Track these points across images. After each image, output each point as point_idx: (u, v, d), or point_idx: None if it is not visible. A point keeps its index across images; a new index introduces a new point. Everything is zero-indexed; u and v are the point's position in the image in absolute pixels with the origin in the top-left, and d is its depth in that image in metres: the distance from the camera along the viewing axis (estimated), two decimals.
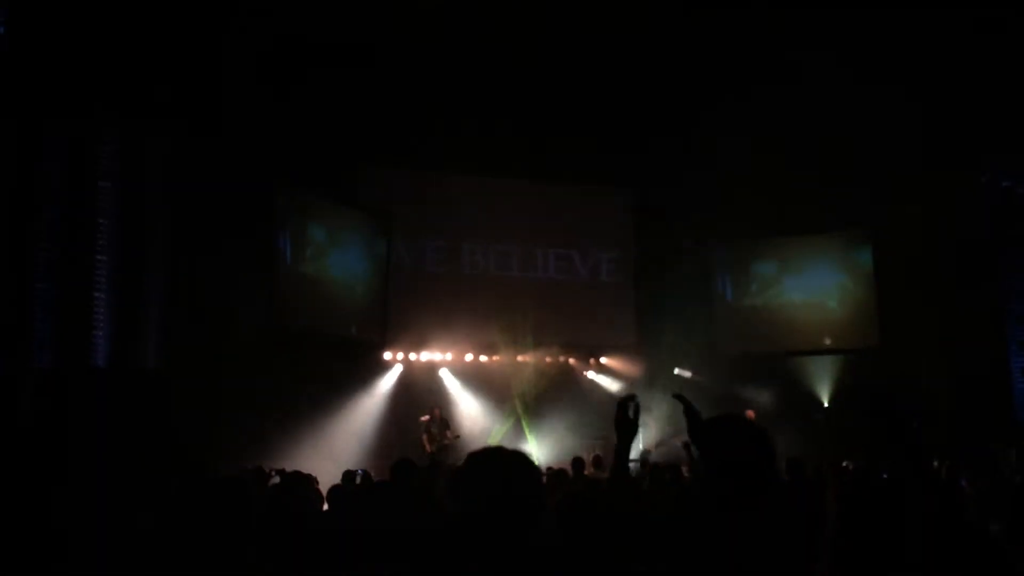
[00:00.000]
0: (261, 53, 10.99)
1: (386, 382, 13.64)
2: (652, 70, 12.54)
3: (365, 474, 8.18)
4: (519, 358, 14.40)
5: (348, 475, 7.89)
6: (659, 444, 12.99)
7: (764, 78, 12.02)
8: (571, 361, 15.06)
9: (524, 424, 13.79)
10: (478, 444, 13.23)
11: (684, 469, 7.35)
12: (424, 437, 12.35)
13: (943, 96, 12.16)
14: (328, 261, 12.78)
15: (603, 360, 15.33)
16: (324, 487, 5.63)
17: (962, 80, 11.93)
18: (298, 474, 4.41)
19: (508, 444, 10.94)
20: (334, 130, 12.28)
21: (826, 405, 14.41)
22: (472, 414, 13.98)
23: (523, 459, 2.14)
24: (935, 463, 7.35)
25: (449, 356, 14.27)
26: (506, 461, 2.11)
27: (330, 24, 11.40)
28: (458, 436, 12.59)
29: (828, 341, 14.67)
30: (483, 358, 14.37)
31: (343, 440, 12.00)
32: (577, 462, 8.52)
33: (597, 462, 9.36)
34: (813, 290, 14.96)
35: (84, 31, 9.09)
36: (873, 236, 14.38)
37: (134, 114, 9.67)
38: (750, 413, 12.71)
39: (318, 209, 12.76)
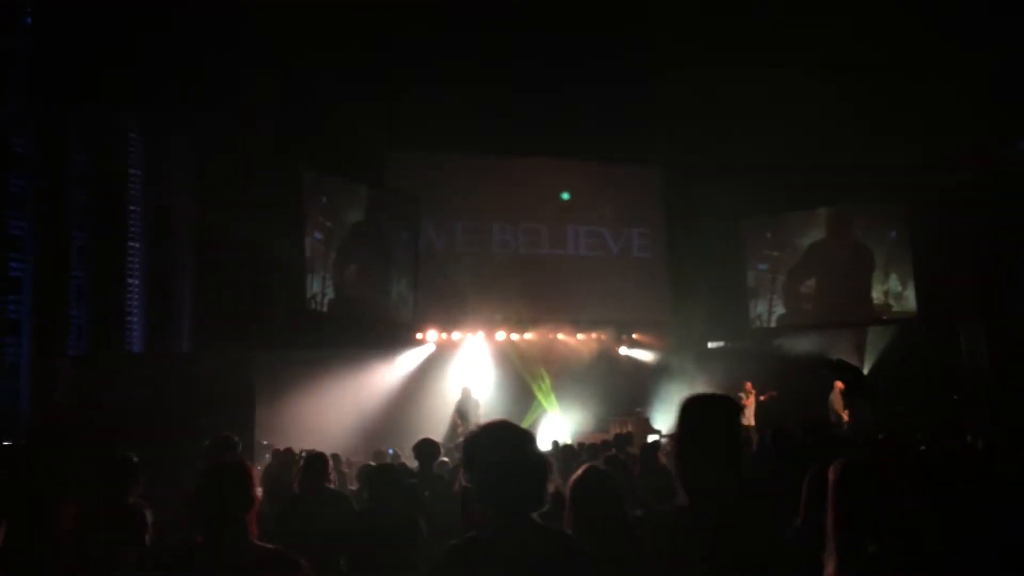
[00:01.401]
0: (285, 40, 11.02)
1: (417, 361, 13.71)
2: (677, 42, 12.32)
3: (395, 454, 8.25)
4: (551, 335, 14.42)
5: (379, 455, 7.97)
6: None
7: (793, 45, 11.77)
8: (603, 337, 15.01)
9: (552, 402, 13.80)
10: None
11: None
12: (455, 416, 12.41)
13: (978, 66, 11.86)
14: (358, 243, 12.82)
15: (635, 336, 15.26)
16: (357, 466, 5.68)
17: (999, 51, 11.62)
18: (318, 455, 4.46)
19: (541, 422, 11.04)
20: (361, 115, 12.27)
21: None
22: (504, 392, 14.01)
23: (525, 434, 2.15)
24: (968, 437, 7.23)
25: (481, 335, 14.30)
26: (511, 434, 2.11)
27: (351, 8, 11.40)
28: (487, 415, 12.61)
29: (865, 312, 14.48)
30: (515, 336, 14.37)
31: (374, 420, 12.10)
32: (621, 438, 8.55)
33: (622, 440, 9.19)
34: (848, 261, 14.72)
35: (111, 20, 9.16)
36: (909, 207, 14.09)
37: (162, 102, 9.75)
38: (747, 384, 12.88)
39: (346, 192, 12.80)
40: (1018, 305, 12.79)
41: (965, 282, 13.06)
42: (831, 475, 2.42)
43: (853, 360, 14.40)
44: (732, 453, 2.27)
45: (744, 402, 12.79)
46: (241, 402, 8.33)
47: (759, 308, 14.99)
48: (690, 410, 2.32)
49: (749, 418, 12.69)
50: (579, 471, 3.01)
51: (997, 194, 12.65)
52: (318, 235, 12.14)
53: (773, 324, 14.88)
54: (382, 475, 3.97)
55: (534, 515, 2.08)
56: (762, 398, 13.04)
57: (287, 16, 10.74)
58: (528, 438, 2.16)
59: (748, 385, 13.10)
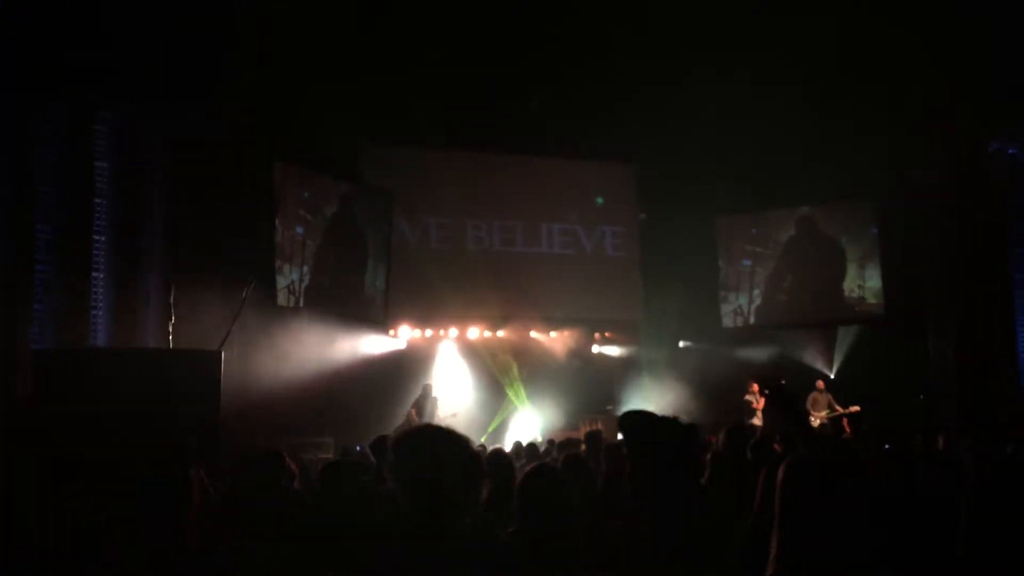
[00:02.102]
0: (259, 31, 10.93)
1: (389, 359, 13.67)
2: (653, 38, 12.36)
3: (363, 450, 8.23)
4: (523, 333, 14.47)
5: (345, 451, 7.95)
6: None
7: (762, 44, 11.86)
8: (576, 335, 15.06)
9: (523, 398, 13.82)
10: (479, 421, 13.44)
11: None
12: (412, 411, 12.39)
13: (949, 64, 12.01)
14: (330, 238, 12.76)
15: (607, 334, 15.32)
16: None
17: (968, 48, 11.76)
18: (274, 451, 4.44)
19: (513, 421, 11.05)
20: (335, 109, 12.21)
21: (832, 377, 14.36)
22: (475, 390, 14.02)
23: (454, 438, 2.14)
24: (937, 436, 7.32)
25: (453, 332, 14.30)
26: (436, 440, 2.12)
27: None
28: (455, 414, 12.63)
29: (834, 312, 14.62)
30: (487, 333, 14.38)
31: (344, 415, 12.05)
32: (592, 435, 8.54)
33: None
34: (819, 261, 14.87)
35: (80, 10, 9.05)
36: (880, 206, 14.24)
37: (130, 94, 9.64)
38: (754, 386, 12.72)
39: (319, 186, 12.73)
40: (987, 305, 12.99)
41: (934, 283, 13.24)
42: (779, 472, 2.47)
43: (820, 361, 14.61)
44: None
45: (755, 405, 12.68)
46: (207, 398, 8.28)
47: (739, 300, 15.10)
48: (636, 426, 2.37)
49: (759, 419, 12.60)
50: (528, 468, 3.02)
51: (968, 194, 12.83)
52: (291, 228, 12.06)
53: (752, 318, 14.98)
54: (335, 471, 3.98)
55: (466, 518, 2.07)
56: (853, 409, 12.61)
57: (260, 7, 10.66)
58: (458, 442, 2.14)
59: (755, 386, 12.76)
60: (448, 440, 2.13)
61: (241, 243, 10.88)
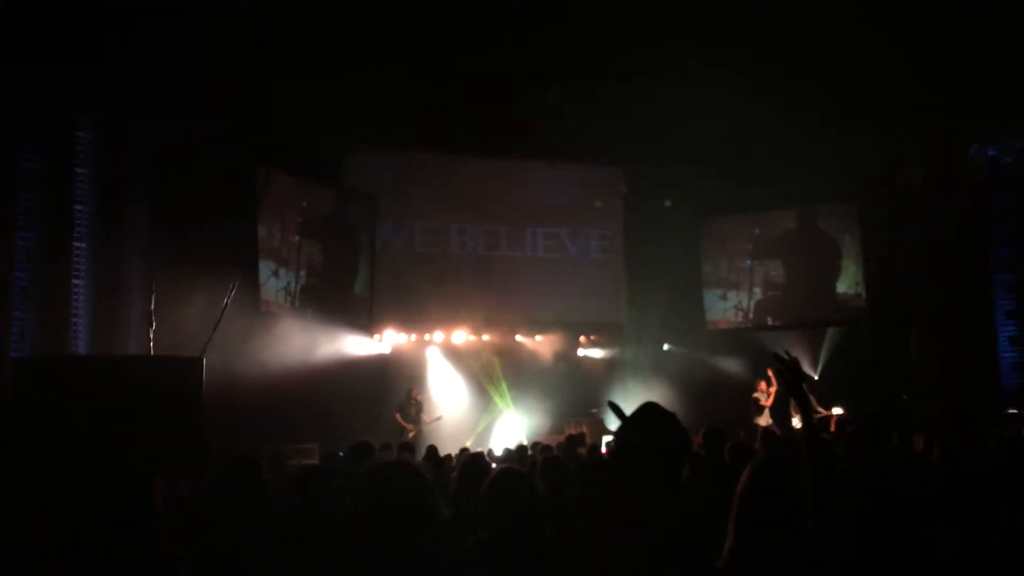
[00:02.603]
0: (239, 33, 10.89)
1: (375, 363, 13.64)
2: (639, 38, 12.37)
3: (345, 456, 8.20)
4: (508, 336, 14.49)
5: (330, 456, 7.93)
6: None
7: (742, 45, 11.91)
8: (561, 338, 15.08)
9: (508, 401, 13.82)
10: (464, 425, 13.44)
11: None
12: (398, 416, 12.38)
13: (930, 67, 12.10)
14: (314, 243, 12.74)
15: (593, 337, 15.35)
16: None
17: (948, 52, 11.86)
18: (250, 458, 4.44)
19: (498, 424, 11.03)
20: (319, 113, 12.18)
21: (816, 377, 14.43)
22: (460, 395, 14.01)
23: (408, 470, 2.15)
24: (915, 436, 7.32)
25: (439, 336, 14.29)
26: (392, 475, 2.11)
27: (309, 4, 11.32)
28: (439, 417, 12.62)
29: (826, 312, 14.71)
30: (472, 337, 14.37)
31: (329, 421, 12.01)
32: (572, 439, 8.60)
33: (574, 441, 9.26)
34: (803, 263, 14.95)
35: (59, 14, 9.01)
36: (862, 208, 14.33)
37: (111, 99, 9.60)
38: (761, 384, 12.72)
39: (302, 191, 12.71)
40: (969, 305, 13.08)
41: (916, 285, 13.32)
42: (745, 471, 2.48)
43: (805, 362, 14.66)
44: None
45: (763, 403, 12.68)
46: (188, 405, 8.22)
47: (740, 297, 15.20)
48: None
49: (767, 418, 12.66)
50: (493, 473, 3.00)
51: (949, 195, 12.93)
52: (273, 233, 12.02)
53: (752, 314, 15.05)
54: (310, 476, 3.97)
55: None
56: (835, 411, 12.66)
57: (241, 9, 10.63)
58: (407, 481, 2.12)
59: (762, 385, 12.87)
60: (398, 479, 2.10)
61: (224, 248, 10.82)
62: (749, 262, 15.27)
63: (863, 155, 13.26)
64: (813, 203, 14.86)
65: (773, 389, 12.70)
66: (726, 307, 15.29)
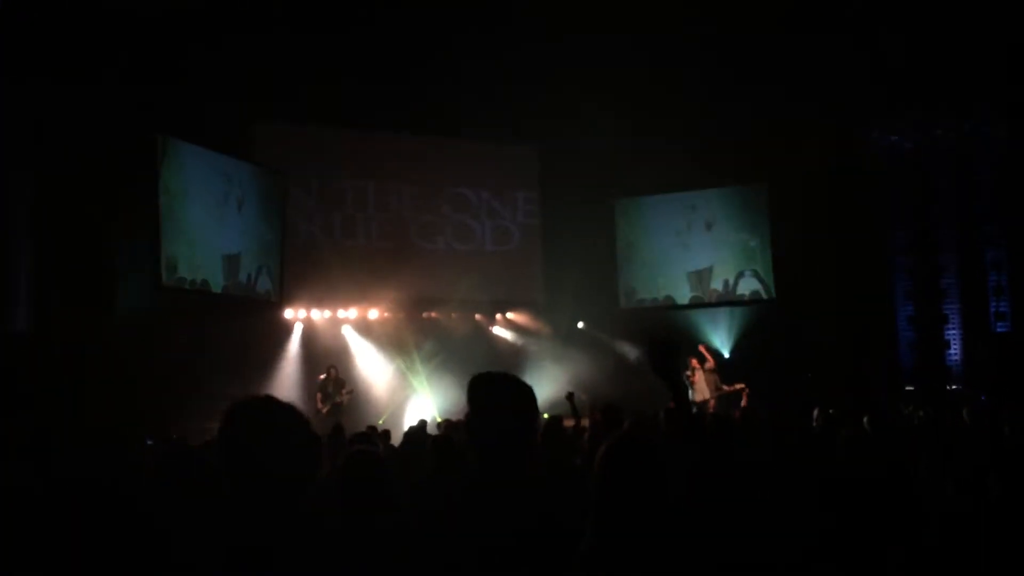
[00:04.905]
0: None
1: (287, 341, 13.32)
2: (548, 19, 12.28)
3: None
4: (423, 315, 14.34)
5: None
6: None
7: (661, 27, 11.96)
8: (477, 317, 15.02)
9: (422, 380, 13.70)
10: (377, 401, 13.27)
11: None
12: (318, 396, 12.14)
13: (837, 53, 12.40)
14: (220, 217, 12.28)
15: (509, 316, 15.34)
16: None
17: (853, 38, 12.18)
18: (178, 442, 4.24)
19: (411, 402, 10.85)
20: (228, 86, 11.72)
21: (727, 356, 14.74)
22: (375, 371, 13.82)
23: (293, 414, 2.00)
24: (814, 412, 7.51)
25: (353, 313, 14.03)
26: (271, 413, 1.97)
27: None
28: (351, 391, 12.43)
29: (722, 293, 15.04)
30: (387, 315, 14.16)
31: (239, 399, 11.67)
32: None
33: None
34: (713, 243, 15.22)
35: None
36: (770, 190, 14.65)
37: None
38: (693, 360, 12.88)
39: (208, 162, 12.20)
40: (868, 285, 13.58)
41: (820, 265, 13.73)
42: (599, 451, 2.42)
43: (717, 340, 14.97)
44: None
45: (691, 378, 12.72)
46: (86, 383, 7.88)
47: (625, 288, 15.44)
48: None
49: (702, 392, 12.70)
50: (345, 456, 2.94)
51: (850, 179, 13.36)
52: (176, 205, 11.49)
53: (637, 305, 15.37)
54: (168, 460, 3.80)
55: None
56: (738, 386, 12.66)
57: None
58: (297, 418, 1.98)
59: (694, 361, 12.86)
60: (284, 415, 1.96)
61: (116, 226, 10.33)
62: (662, 242, 15.47)
63: (768, 140, 13.55)
64: (722, 186, 15.12)
65: (708, 365, 12.92)
66: (642, 286, 15.48)
